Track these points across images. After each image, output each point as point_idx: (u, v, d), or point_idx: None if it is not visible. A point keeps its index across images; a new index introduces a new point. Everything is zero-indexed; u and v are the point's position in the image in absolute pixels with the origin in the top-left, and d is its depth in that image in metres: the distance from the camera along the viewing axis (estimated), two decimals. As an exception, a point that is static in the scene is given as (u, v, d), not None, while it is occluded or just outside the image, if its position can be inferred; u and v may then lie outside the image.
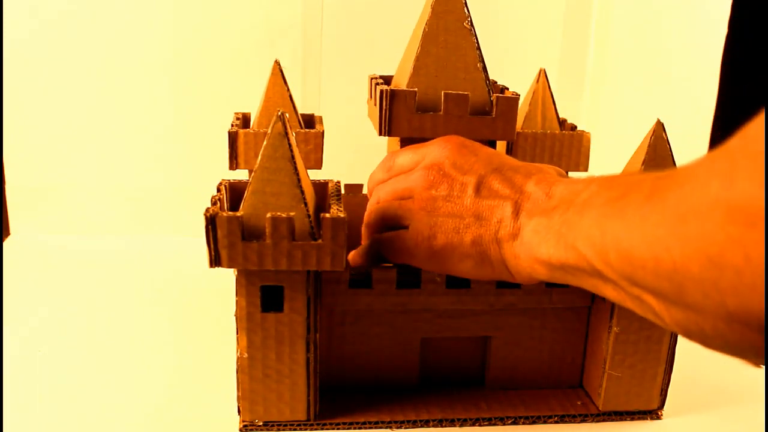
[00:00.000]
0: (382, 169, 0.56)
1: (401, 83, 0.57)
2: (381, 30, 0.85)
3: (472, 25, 0.56)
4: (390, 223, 0.53)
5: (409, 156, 0.54)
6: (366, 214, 0.55)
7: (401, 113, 0.55)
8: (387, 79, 0.61)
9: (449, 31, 0.56)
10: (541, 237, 0.44)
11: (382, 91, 0.54)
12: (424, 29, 0.56)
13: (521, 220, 0.46)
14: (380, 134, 0.56)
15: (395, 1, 0.83)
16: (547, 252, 0.43)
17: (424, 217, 0.50)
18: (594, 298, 0.58)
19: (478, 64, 0.56)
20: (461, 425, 0.57)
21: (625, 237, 0.36)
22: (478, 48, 0.56)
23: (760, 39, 1.18)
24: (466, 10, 0.57)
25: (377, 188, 0.56)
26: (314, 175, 0.56)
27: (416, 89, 0.55)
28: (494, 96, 0.56)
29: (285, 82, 0.65)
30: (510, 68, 0.84)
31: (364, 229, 0.56)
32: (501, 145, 0.72)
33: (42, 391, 0.59)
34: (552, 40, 0.95)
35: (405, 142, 0.57)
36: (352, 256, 0.55)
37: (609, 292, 0.40)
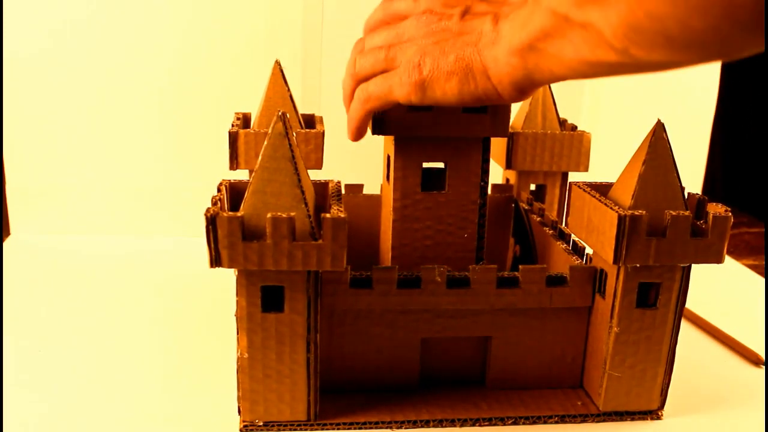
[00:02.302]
0: (377, 16, 0.57)
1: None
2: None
3: None
4: (380, 66, 0.52)
5: (404, 4, 0.55)
6: (353, 65, 0.54)
7: (394, 111, 0.55)
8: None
9: None
10: (514, 24, 0.44)
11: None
12: None
13: (500, 24, 0.46)
14: (374, 133, 0.56)
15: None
16: (519, 36, 0.44)
17: (414, 50, 0.50)
18: (594, 299, 0.58)
19: None
20: (461, 425, 0.57)
21: None
22: None
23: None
24: None
25: (368, 36, 0.55)
26: (314, 175, 0.56)
27: None
28: None
29: (285, 82, 0.65)
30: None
31: (351, 81, 0.55)
32: (498, 142, 0.72)
33: (42, 390, 0.59)
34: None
35: (399, 141, 0.57)
36: (349, 119, 0.55)
37: (571, 48, 0.40)
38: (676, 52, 0.36)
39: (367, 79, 0.53)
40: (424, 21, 0.51)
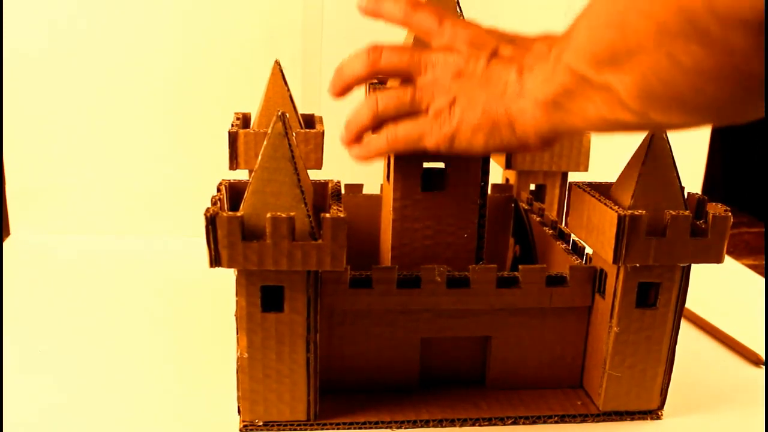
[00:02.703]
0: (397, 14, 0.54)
1: (396, 84, 0.57)
2: (381, 30, 0.85)
3: None
4: (405, 109, 0.52)
5: (429, 21, 0.53)
6: (375, 103, 0.53)
7: None
8: (383, 81, 0.61)
9: None
10: (537, 79, 0.45)
11: (376, 92, 0.54)
12: None
13: (524, 76, 0.46)
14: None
15: (395, 2, 0.83)
16: (543, 91, 0.44)
17: (443, 98, 0.50)
18: (594, 299, 0.58)
19: None
20: (461, 425, 0.57)
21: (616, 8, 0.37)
22: None
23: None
24: (458, 9, 0.57)
25: (386, 51, 0.53)
26: (314, 175, 0.56)
27: None
28: None
29: (285, 82, 0.65)
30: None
31: (370, 116, 0.54)
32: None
33: (42, 390, 0.59)
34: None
35: None
36: (369, 150, 0.55)
37: (593, 107, 0.41)
38: (693, 115, 0.36)
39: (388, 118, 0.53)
40: (451, 62, 0.50)
